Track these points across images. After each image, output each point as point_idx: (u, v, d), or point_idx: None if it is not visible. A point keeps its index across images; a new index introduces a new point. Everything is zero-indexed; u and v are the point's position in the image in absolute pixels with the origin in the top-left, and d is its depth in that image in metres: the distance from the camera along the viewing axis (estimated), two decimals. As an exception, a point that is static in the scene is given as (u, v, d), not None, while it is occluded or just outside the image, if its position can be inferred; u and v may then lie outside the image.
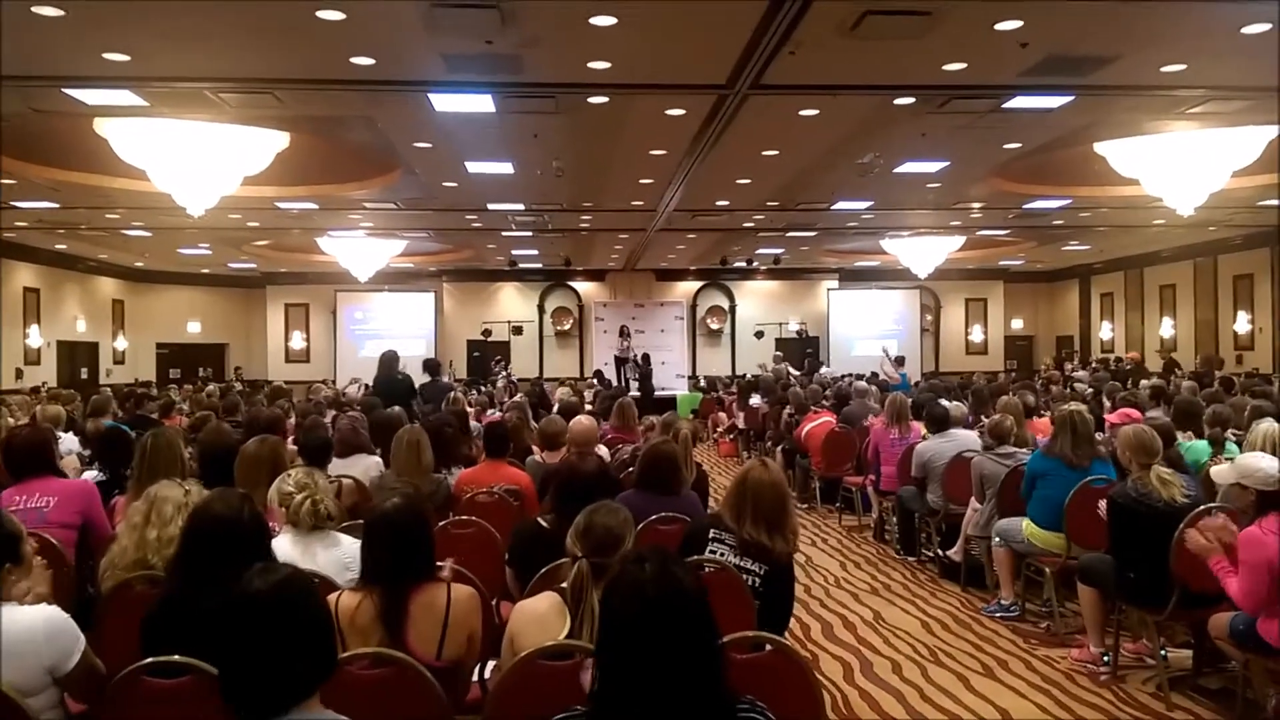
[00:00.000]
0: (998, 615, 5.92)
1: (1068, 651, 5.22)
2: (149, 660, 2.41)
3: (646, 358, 18.51)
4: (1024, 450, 6.44)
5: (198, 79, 7.34)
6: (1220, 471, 4.32)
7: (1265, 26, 6.36)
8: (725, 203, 13.51)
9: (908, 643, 5.51)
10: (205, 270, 21.53)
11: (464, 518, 4.58)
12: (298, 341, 22.79)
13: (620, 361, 19.10)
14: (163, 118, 8.37)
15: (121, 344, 21.21)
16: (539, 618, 2.73)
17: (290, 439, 6.67)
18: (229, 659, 1.87)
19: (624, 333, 19.75)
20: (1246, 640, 3.92)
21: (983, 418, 8.03)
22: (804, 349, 21.65)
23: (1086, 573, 4.98)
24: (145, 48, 6.64)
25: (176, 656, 2.39)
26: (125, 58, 6.78)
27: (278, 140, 9.20)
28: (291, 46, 6.64)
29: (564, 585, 2.77)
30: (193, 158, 8.71)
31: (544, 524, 3.86)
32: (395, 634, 2.72)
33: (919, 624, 5.89)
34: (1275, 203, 13.40)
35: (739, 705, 1.88)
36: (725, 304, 23.27)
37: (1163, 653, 4.73)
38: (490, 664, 3.55)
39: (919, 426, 8.08)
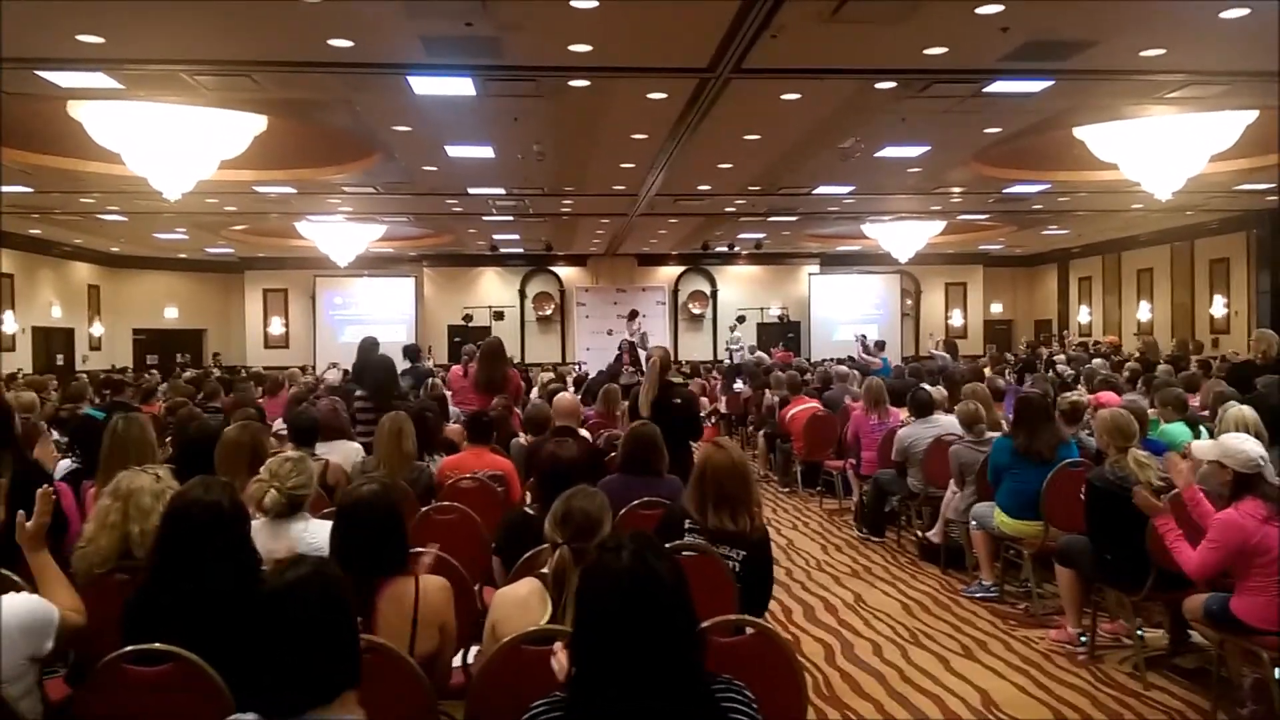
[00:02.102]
0: (978, 596, 5.98)
1: (1046, 632, 5.28)
2: (129, 649, 2.40)
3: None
4: (996, 434, 6.49)
5: (173, 61, 7.24)
6: (1201, 447, 4.38)
7: (1244, 11, 6.39)
8: (707, 187, 13.49)
9: (888, 624, 5.56)
10: (182, 255, 21.31)
11: (446, 504, 4.57)
12: (276, 327, 22.63)
13: (631, 346, 18.53)
14: (138, 100, 8.26)
15: (98, 330, 21.00)
16: (520, 603, 2.73)
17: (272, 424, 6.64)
18: (256, 653, 1.83)
19: (634, 315, 19.04)
20: (1220, 619, 3.97)
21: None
22: (785, 333, 21.71)
23: (1064, 554, 5.04)
24: (120, 30, 6.54)
25: (158, 645, 2.38)
26: (99, 40, 6.68)
27: (255, 123, 9.10)
28: (269, 28, 6.55)
29: (544, 571, 2.79)
30: (168, 141, 8.60)
31: (531, 513, 3.89)
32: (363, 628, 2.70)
33: (899, 606, 5.94)
34: (1251, 187, 13.51)
35: (715, 686, 1.89)
36: (707, 289, 23.27)
37: (1139, 633, 4.79)
38: (473, 650, 3.56)
39: (897, 411, 8.16)
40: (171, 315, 22.39)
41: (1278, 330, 15.18)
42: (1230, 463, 3.97)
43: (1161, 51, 7.31)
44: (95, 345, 20.89)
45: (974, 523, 6.07)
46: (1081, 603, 5.07)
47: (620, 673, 1.80)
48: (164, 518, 2.73)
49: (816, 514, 8.96)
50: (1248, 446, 3.98)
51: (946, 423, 7.19)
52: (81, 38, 6.62)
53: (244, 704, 1.85)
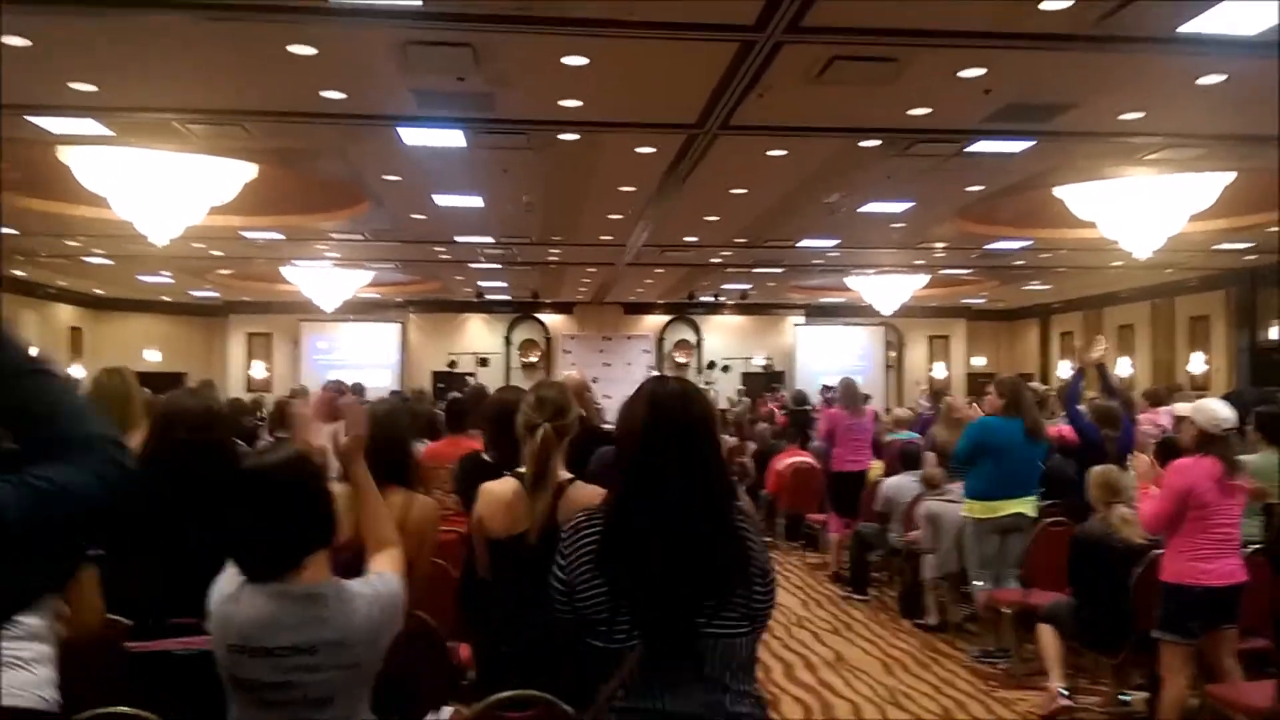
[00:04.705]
0: (984, 661, 5.91)
1: (1025, 693, 5.24)
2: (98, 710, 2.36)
3: None
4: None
5: (165, 109, 7.28)
6: (1181, 407, 4.60)
7: (1220, 78, 6.54)
8: (694, 239, 13.59)
9: (868, 684, 5.52)
10: (166, 298, 21.26)
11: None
12: (259, 371, 22.50)
13: None
14: (128, 147, 8.29)
15: (79, 372, 20.80)
16: (506, 502, 2.97)
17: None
18: (242, 524, 2.17)
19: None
20: (1174, 617, 4.15)
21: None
22: (769, 383, 21.77)
23: (1046, 613, 5.03)
24: (113, 78, 6.58)
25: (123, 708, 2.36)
26: (92, 88, 6.72)
27: (245, 171, 9.14)
28: (262, 79, 6.61)
29: (522, 471, 2.99)
30: (157, 187, 8.61)
31: (487, 459, 3.98)
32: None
33: (879, 665, 5.90)
34: (1230, 246, 13.73)
35: (734, 508, 2.19)
36: (692, 338, 23.33)
37: (1121, 696, 4.76)
38: (446, 711, 3.51)
39: (872, 410, 8.71)
40: (153, 358, 22.24)
41: (1257, 387, 15.35)
42: (1198, 418, 4.26)
43: (1140, 115, 7.45)
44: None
45: (977, 584, 6.05)
46: (1062, 659, 5.02)
47: (664, 474, 2.09)
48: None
49: (798, 568, 8.93)
50: (1222, 410, 4.24)
51: (930, 478, 7.21)
52: (74, 85, 6.66)
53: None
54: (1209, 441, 4.20)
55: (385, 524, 2.50)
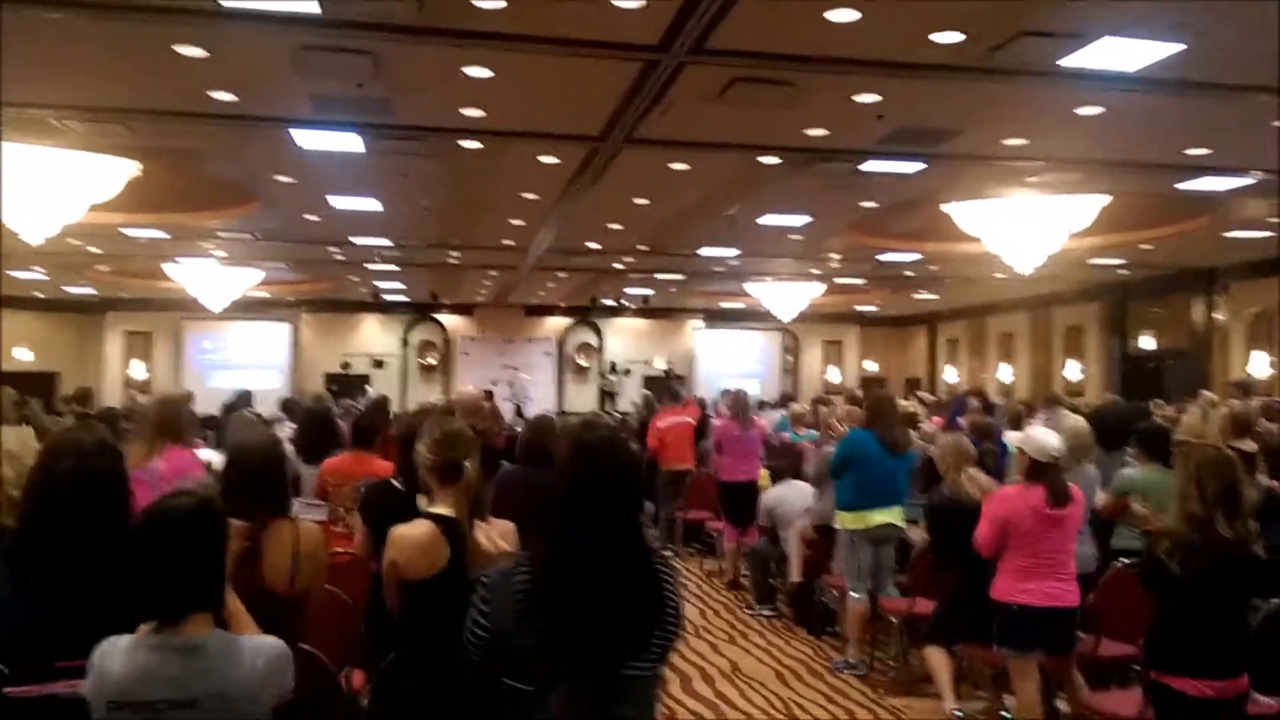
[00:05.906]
0: (844, 671, 6.07)
1: (912, 700, 5.42)
2: None
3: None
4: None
5: (42, 105, 6.91)
6: (1011, 435, 4.76)
7: (1098, 109, 6.90)
8: (597, 245, 13.61)
9: (763, 695, 5.64)
10: (39, 294, 20.15)
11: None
12: (139, 371, 21.53)
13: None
14: (1, 142, 7.82)
15: (-59, 370, 19.58)
16: (421, 547, 2.90)
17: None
18: (140, 567, 2.14)
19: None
20: (1004, 631, 4.34)
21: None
22: (669, 387, 21.98)
23: (929, 632, 5.21)
24: (-17, 70, 6.22)
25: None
26: (-41, 79, 6.33)
27: (127, 168, 8.73)
28: (146, 78, 6.35)
29: (439, 512, 2.95)
30: (32, 184, 8.14)
31: (397, 485, 3.89)
32: (248, 566, 2.93)
33: (774, 674, 6.04)
34: (1104, 261, 14.47)
35: (651, 550, 2.36)
36: (594, 341, 23.35)
37: (1004, 715, 4.95)
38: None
39: (763, 421, 9.02)
40: (23, 357, 21.06)
41: (1127, 395, 16.18)
42: (1028, 448, 4.36)
43: (1023, 141, 7.81)
44: (-64, 387, 19.43)
45: (854, 595, 6.20)
46: (953, 678, 5.17)
47: (598, 517, 2.21)
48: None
49: (696, 575, 9.03)
50: (1048, 439, 4.37)
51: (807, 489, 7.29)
52: (-60, 77, 6.26)
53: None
54: (1038, 471, 4.31)
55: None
